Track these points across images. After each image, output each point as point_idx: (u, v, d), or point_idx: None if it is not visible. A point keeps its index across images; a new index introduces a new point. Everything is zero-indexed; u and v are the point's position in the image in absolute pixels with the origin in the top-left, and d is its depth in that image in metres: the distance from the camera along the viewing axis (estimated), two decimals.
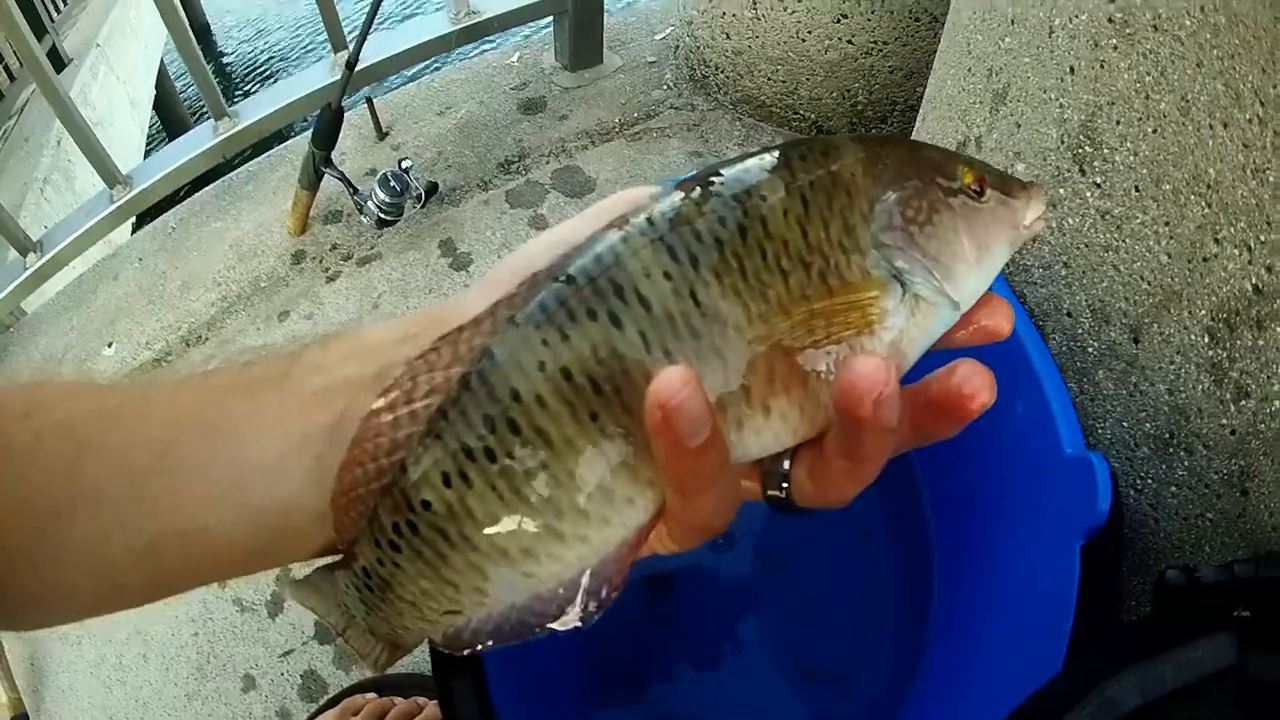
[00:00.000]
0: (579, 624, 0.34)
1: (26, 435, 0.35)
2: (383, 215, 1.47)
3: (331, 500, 0.34)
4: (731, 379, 0.32)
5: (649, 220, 0.32)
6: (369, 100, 1.74)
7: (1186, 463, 0.74)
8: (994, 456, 0.83)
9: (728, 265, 0.31)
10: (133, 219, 1.68)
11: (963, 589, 0.89)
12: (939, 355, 0.36)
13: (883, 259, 0.33)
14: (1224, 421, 0.69)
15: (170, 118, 6.30)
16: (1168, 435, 0.75)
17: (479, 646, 0.35)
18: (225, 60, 8.79)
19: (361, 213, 1.49)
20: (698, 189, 0.33)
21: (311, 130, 1.49)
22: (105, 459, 0.35)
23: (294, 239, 1.58)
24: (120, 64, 4.10)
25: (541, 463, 0.31)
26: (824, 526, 1.00)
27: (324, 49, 1.71)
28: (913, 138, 1.13)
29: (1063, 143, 0.80)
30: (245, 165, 1.78)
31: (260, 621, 1.21)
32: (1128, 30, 0.69)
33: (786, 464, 0.35)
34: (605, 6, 1.78)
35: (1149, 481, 0.78)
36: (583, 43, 1.82)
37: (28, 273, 1.58)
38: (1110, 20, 0.70)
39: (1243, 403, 0.67)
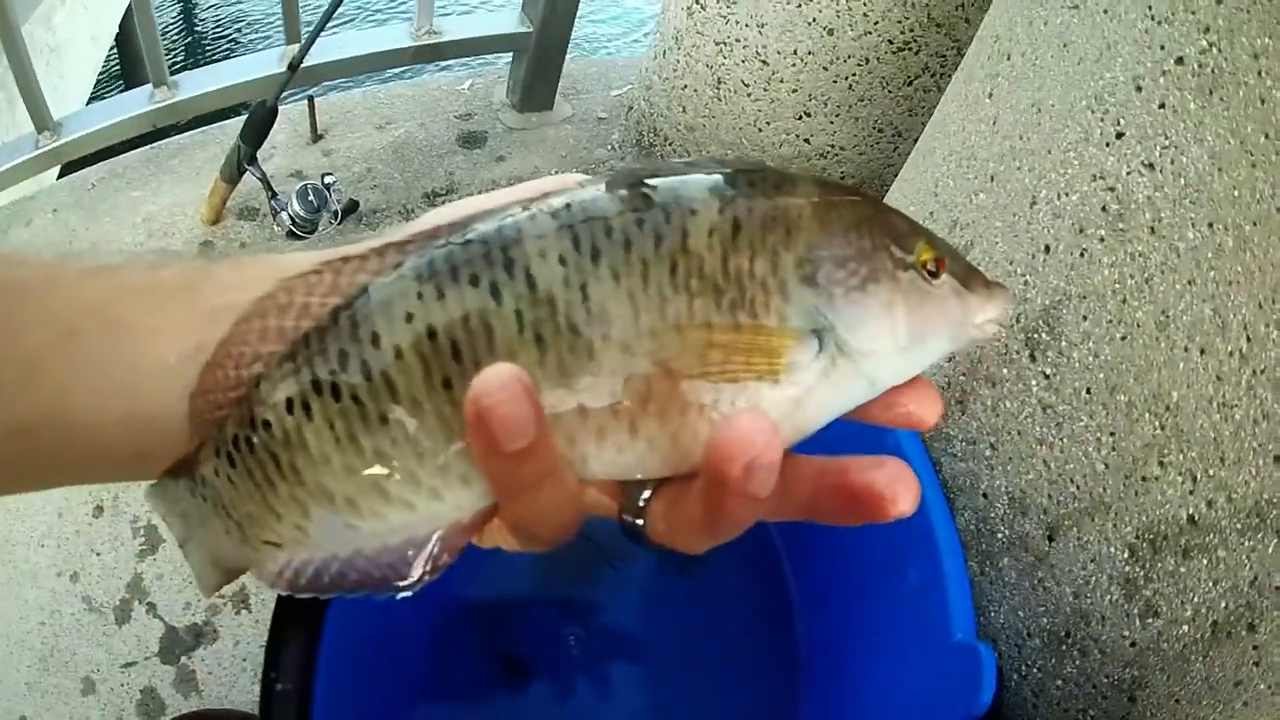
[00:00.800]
0: (393, 594, 0.33)
1: None
2: (295, 229, 1.46)
3: (190, 398, 0.33)
4: (601, 386, 0.30)
5: (566, 205, 0.31)
6: (310, 100, 1.72)
7: (1079, 662, 0.73)
8: (879, 621, 0.82)
9: (630, 267, 0.30)
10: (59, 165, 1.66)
11: None
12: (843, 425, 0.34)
13: (807, 311, 0.31)
14: (1126, 633, 0.69)
15: (130, 59, 6.17)
16: (1064, 633, 0.74)
17: (299, 591, 0.34)
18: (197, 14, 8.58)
19: (274, 219, 1.47)
20: (628, 186, 0.31)
21: (243, 123, 1.47)
22: (5, 333, 0.34)
23: (205, 227, 1.56)
24: None
25: (381, 414, 0.30)
26: (692, 624, 0.98)
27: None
28: None
29: (1018, 322, 0.77)
30: (177, 137, 1.75)
31: (107, 625, 1.19)
32: (1120, 225, 0.67)
33: (647, 493, 0.33)
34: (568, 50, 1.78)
35: (1035, 671, 0.78)
36: (537, 85, 1.82)
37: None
38: (1104, 209, 0.68)
39: (1150, 620, 0.67)
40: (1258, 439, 0.59)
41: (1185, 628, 0.64)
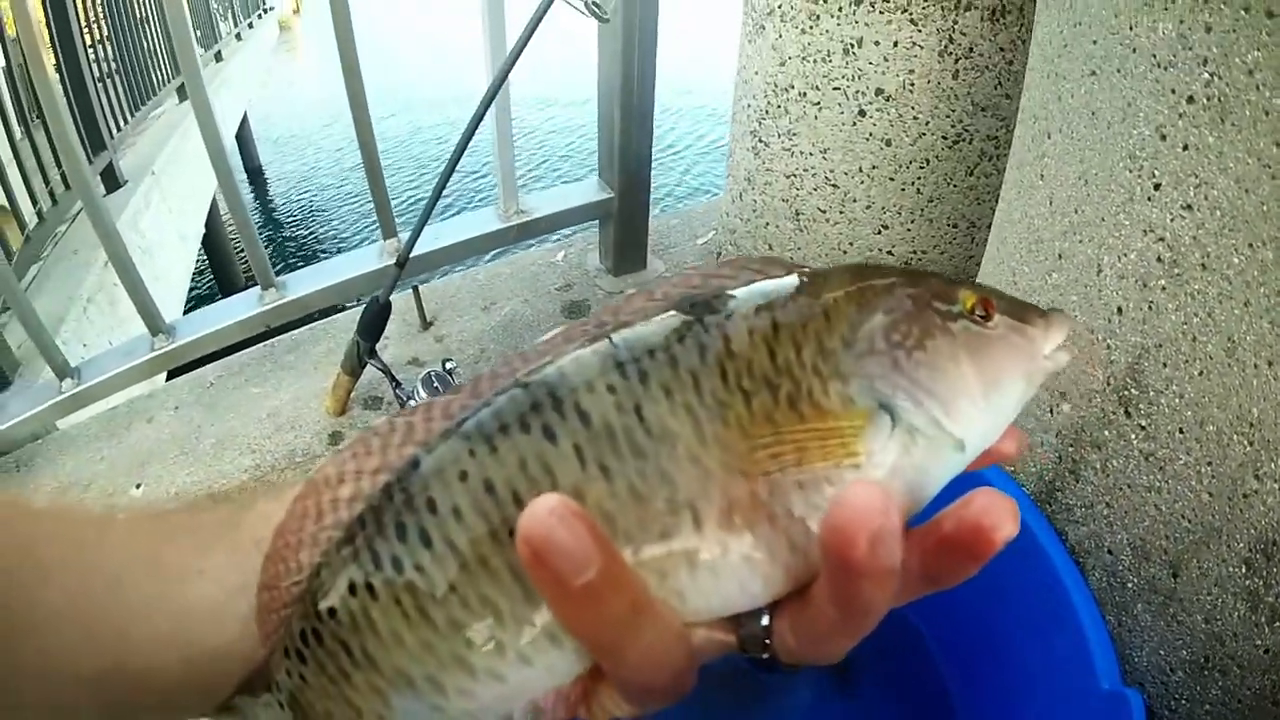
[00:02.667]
0: None
1: None
2: None
3: (258, 590, 0.33)
4: (680, 504, 0.29)
5: (604, 340, 0.31)
6: (415, 289, 1.80)
7: (1220, 683, 0.74)
8: (1033, 688, 0.83)
9: (680, 381, 0.30)
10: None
11: None
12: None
13: (867, 387, 0.30)
14: (1258, 643, 0.70)
15: (217, 254, 6.55)
16: (1203, 659, 0.75)
17: None
18: (272, 206, 9.21)
19: (402, 407, 1.50)
20: (670, 312, 0.32)
21: (358, 320, 1.54)
22: (60, 588, 0.35)
23: (333, 419, 1.61)
24: (174, 195, 4.23)
25: (450, 581, 0.29)
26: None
27: (374, 221, 1.80)
28: None
29: (1109, 385, 0.80)
30: (289, 334, 1.85)
31: None
32: (1176, 270, 0.70)
33: (765, 620, 0.32)
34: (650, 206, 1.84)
35: (1183, 703, 0.78)
36: (627, 246, 1.90)
37: (62, 396, 1.63)
38: (1159, 259, 0.72)
39: (1277, 624, 0.68)
40: None
41: None
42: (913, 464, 0.30)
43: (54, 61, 3.42)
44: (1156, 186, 0.71)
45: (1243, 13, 0.61)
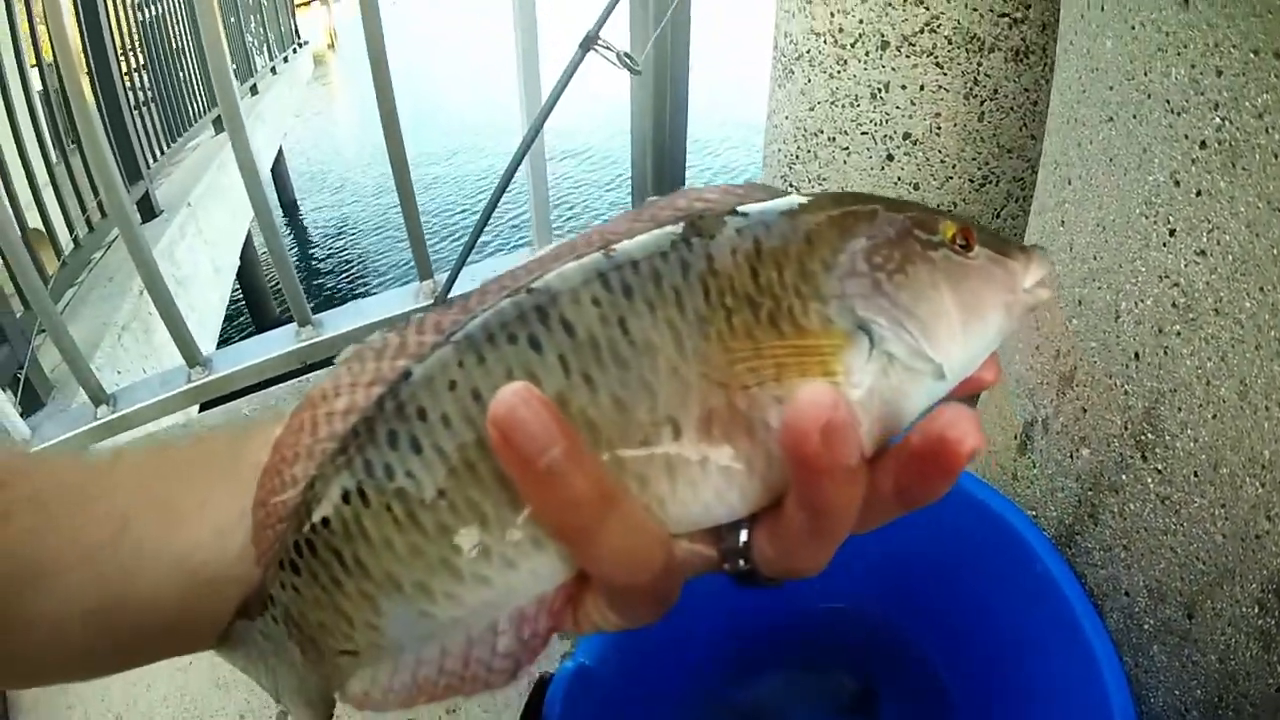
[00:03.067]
0: (489, 689, 0.33)
1: (15, 496, 0.38)
2: None
3: (253, 508, 0.34)
4: (660, 415, 0.30)
5: (589, 257, 0.32)
6: None
7: None
8: None
9: (663, 296, 0.31)
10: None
11: None
12: None
13: (847, 309, 0.31)
14: (1270, 681, 0.70)
15: (252, 287, 6.66)
16: (1217, 699, 0.75)
17: (387, 707, 0.34)
18: (308, 241, 9.32)
19: None
20: (655, 231, 0.33)
21: None
22: (68, 533, 0.38)
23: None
24: (209, 227, 4.27)
25: (439, 487, 0.30)
26: None
27: (409, 256, 1.83)
28: (980, 405, 1.15)
29: (1126, 429, 0.81)
30: (324, 369, 1.86)
31: None
32: (1190, 315, 0.71)
33: (744, 535, 0.33)
34: None
35: None
36: None
37: (98, 422, 1.67)
38: (1174, 304, 0.72)
39: None
40: None
41: None
42: (890, 386, 0.31)
43: (91, 88, 3.50)
44: (1171, 232, 0.72)
45: (1252, 55, 0.62)
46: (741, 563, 0.33)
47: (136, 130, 4.02)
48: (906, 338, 0.31)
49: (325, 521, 0.32)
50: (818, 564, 0.32)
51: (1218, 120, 0.66)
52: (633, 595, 0.33)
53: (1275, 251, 0.63)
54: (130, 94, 4.14)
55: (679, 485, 0.31)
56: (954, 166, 1.42)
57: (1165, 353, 0.75)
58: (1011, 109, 1.37)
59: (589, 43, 1.34)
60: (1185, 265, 0.71)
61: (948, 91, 1.36)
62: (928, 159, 1.42)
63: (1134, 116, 0.75)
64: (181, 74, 5.26)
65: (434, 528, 0.31)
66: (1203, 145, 0.68)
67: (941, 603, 0.97)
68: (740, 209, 0.33)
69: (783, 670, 1.08)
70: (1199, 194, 0.69)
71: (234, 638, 0.38)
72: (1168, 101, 0.71)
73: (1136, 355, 0.79)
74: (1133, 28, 0.74)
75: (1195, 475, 0.74)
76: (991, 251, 0.34)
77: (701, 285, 0.31)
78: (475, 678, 0.33)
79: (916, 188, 1.44)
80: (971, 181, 1.43)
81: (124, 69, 4.13)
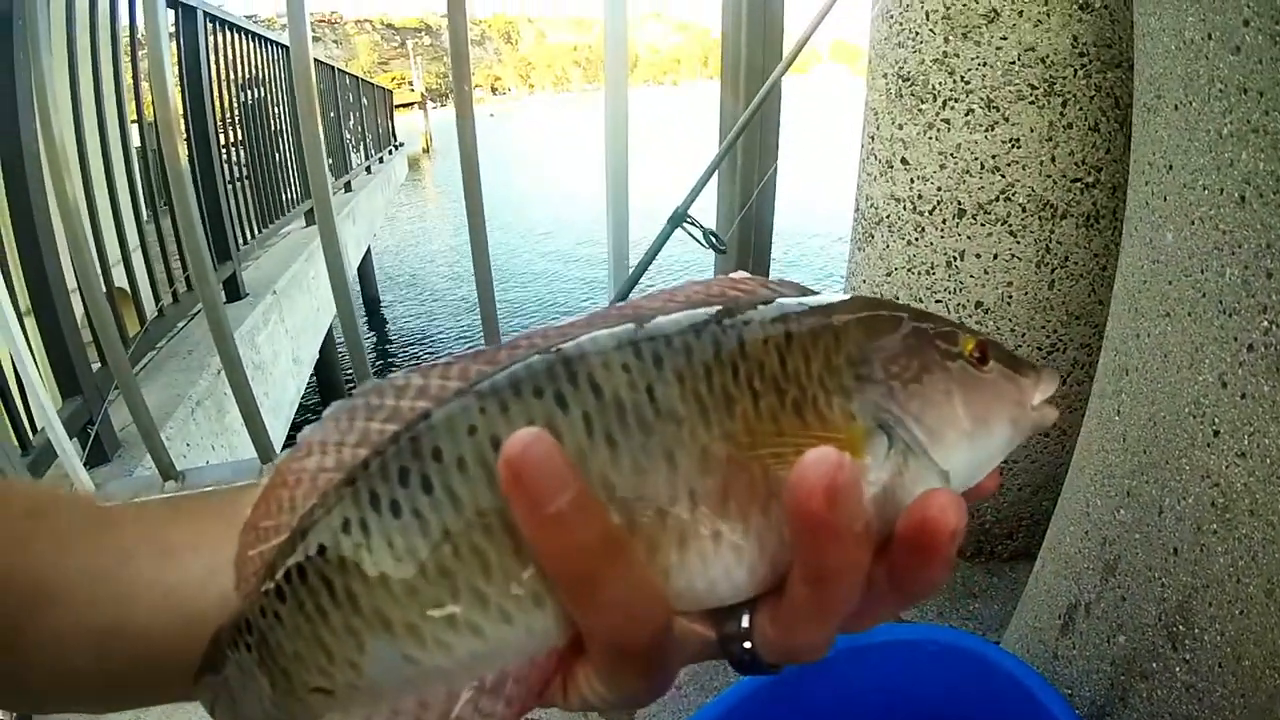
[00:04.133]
0: None
1: (21, 532, 0.42)
2: None
3: (241, 531, 0.34)
4: (678, 484, 0.30)
5: (625, 325, 0.33)
6: None
7: None
8: None
9: (693, 370, 0.31)
10: None
11: None
12: None
13: (870, 407, 0.32)
14: None
15: (328, 383, 6.77)
16: None
17: None
18: (388, 341, 9.54)
19: None
20: (691, 310, 0.34)
21: None
22: (78, 561, 0.42)
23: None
24: (292, 317, 4.31)
25: (445, 529, 0.30)
26: None
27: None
28: (1031, 582, 1.17)
29: (1160, 620, 0.82)
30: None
31: None
32: (1228, 515, 0.73)
33: (745, 620, 0.33)
34: None
35: None
36: None
37: (163, 496, 1.71)
38: (1213, 504, 0.74)
39: None
40: None
41: None
42: (901, 485, 0.32)
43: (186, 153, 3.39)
44: (1216, 434, 0.74)
45: None
46: (744, 645, 0.33)
47: (229, 210, 4.14)
48: (920, 441, 0.33)
49: (321, 549, 0.31)
50: (818, 645, 0.33)
51: (1265, 323, 0.68)
52: (627, 663, 0.32)
53: None
54: (226, 168, 4.26)
55: (689, 556, 0.31)
56: (1024, 335, 1.45)
57: (1202, 550, 0.76)
58: (1081, 275, 1.40)
59: (678, 219, 1.41)
60: (1226, 467, 0.73)
61: (1019, 260, 1.40)
62: (997, 327, 1.45)
63: (1189, 314, 0.78)
64: (278, 157, 5.45)
65: (434, 570, 0.30)
66: (1250, 349, 0.70)
67: None
68: (775, 300, 0.34)
69: None
70: (1244, 397, 0.71)
71: (204, 677, 0.37)
72: (1220, 301, 0.73)
73: (1175, 550, 0.80)
74: (1192, 223, 0.77)
75: (1220, 666, 0.75)
76: (1004, 367, 0.36)
77: (731, 365, 0.31)
78: None
79: None
80: (1040, 349, 1.46)
81: (222, 142, 4.24)
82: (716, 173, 1.65)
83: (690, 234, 1.40)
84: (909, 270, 1.51)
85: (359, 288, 9.54)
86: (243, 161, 4.83)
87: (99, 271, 1.72)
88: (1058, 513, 1.12)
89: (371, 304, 10.11)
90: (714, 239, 1.40)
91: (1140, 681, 0.86)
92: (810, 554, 0.29)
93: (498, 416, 0.30)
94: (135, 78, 3.24)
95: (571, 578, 0.29)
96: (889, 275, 1.56)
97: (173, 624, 0.40)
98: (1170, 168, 0.81)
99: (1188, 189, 0.78)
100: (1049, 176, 1.36)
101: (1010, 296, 1.44)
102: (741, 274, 0.37)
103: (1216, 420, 0.75)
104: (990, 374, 0.35)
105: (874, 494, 0.31)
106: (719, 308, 0.33)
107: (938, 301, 1.49)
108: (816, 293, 0.36)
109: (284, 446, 3.58)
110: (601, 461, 0.30)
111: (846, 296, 0.35)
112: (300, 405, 4.49)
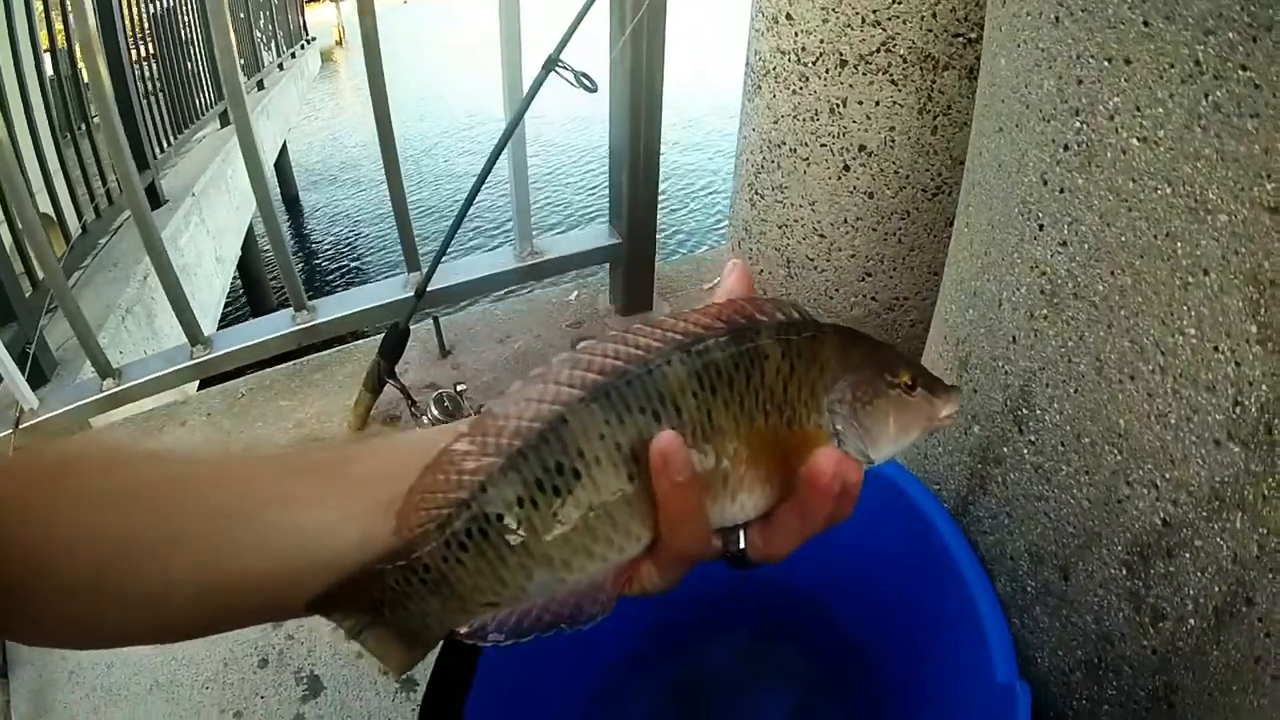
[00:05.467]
0: (579, 627, 0.47)
1: (149, 479, 0.50)
2: None
3: (408, 493, 0.46)
4: (723, 465, 0.46)
5: (694, 356, 0.46)
6: (435, 320, 1.99)
7: (1115, 683, 0.82)
8: (940, 676, 0.95)
9: (733, 397, 0.46)
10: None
11: None
12: None
13: (831, 421, 0.48)
14: (1145, 643, 0.78)
15: (251, 279, 6.79)
16: (1096, 660, 0.84)
17: (491, 640, 0.47)
18: (307, 234, 9.53)
19: (417, 423, 1.69)
20: (731, 336, 0.47)
21: (380, 342, 1.71)
22: (201, 507, 0.48)
23: (353, 433, 1.77)
24: (212, 218, 4.35)
25: (589, 502, 0.45)
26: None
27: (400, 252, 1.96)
28: None
29: (1006, 406, 0.91)
30: (317, 354, 2.05)
31: None
32: (1055, 300, 0.81)
33: (741, 533, 0.50)
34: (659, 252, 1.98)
35: (1084, 702, 0.87)
36: (635, 289, 2.06)
37: (102, 395, 1.78)
38: (1042, 291, 0.82)
39: (1160, 624, 0.76)
40: (1194, 432, 0.69)
41: (1192, 621, 0.72)
42: None
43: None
44: (1040, 227, 0.82)
45: (1106, 64, 0.71)
46: (740, 549, 0.50)
47: (145, 120, 4.11)
48: (860, 445, 0.49)
49: (499, 516, 0.45)
50: (787, 553, 0.50)
51: (1077, 124, 0.76)
52: (682, 564, 0.49)
53: (1123, 239, 0.72)
54: (139, 83, 4.23)
55: (727, 501, 0.47)
56: (907, 177, 1.52)
57: (1035, 335, 0.84)
58: (964, 123, 1.46)
59: (550, 64, 1.46)
60: (1051, 256, 0.81)
61: (902, 107, 1.46)
62: (882, 169, 1.52)
63: (1016, 126, 0.85)
64: (190, 65, 5.35)
65: (582, 526, 0.45)
66: (1065, 148, 0.77)
67: (861, 574, 1.06)
68: (785, 336, 0.48)
69: (719, 641, 1.20)
70: (1062, 191, 0.78)
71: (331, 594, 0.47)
72: (1040, 110, 0.80)
73: (1013, 339, 0.88)
74: (1018, 45, 0.84)
75: (1062, 445, 0.83)
76: (926, 391, 0.51)
77: (754, 393, 0.46)
78: (573, 618, 0.47)
79: (871, 196, 1.55)
80: (924, 191, 1.53)
81: (134, 58, 4.22)
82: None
83: (563, 77, 1.44)
84: (795, 117, 1.57)
85: (278, 184, 9.43)
86: (157, 76, 4.76)
87: (27, 199, 1.74)
88: (931, 329, 1.20)
89: (291, 199, 10.01)
90: (585, 81, 1.45)
91: (995, 467, 0.95)
92: (809, 503, 0.46)
93: (617, 427, 0.45)
94: (46, 5, 3.23)
95: (676, 515, 0.45)
96: (776, 123, 1.61)
97: (299, 571, 0.47)
98: (1004, 2, 0.87)
99: (1015, 17, 0.84)
100: (930, 31, 1.41)
101: (894, 141, 1.50)
102: (754, 299, 0.50)
103: (1040, 215, 0.82)
104: (916, 397, 0.50)
105: None
106: (749, 345, 0.47)
107: (822, 145, 1.55)
108: (811, 315, 0.50)
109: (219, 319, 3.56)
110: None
111: (833, 331, 0.50)
112: (226, 303, 4.57)
